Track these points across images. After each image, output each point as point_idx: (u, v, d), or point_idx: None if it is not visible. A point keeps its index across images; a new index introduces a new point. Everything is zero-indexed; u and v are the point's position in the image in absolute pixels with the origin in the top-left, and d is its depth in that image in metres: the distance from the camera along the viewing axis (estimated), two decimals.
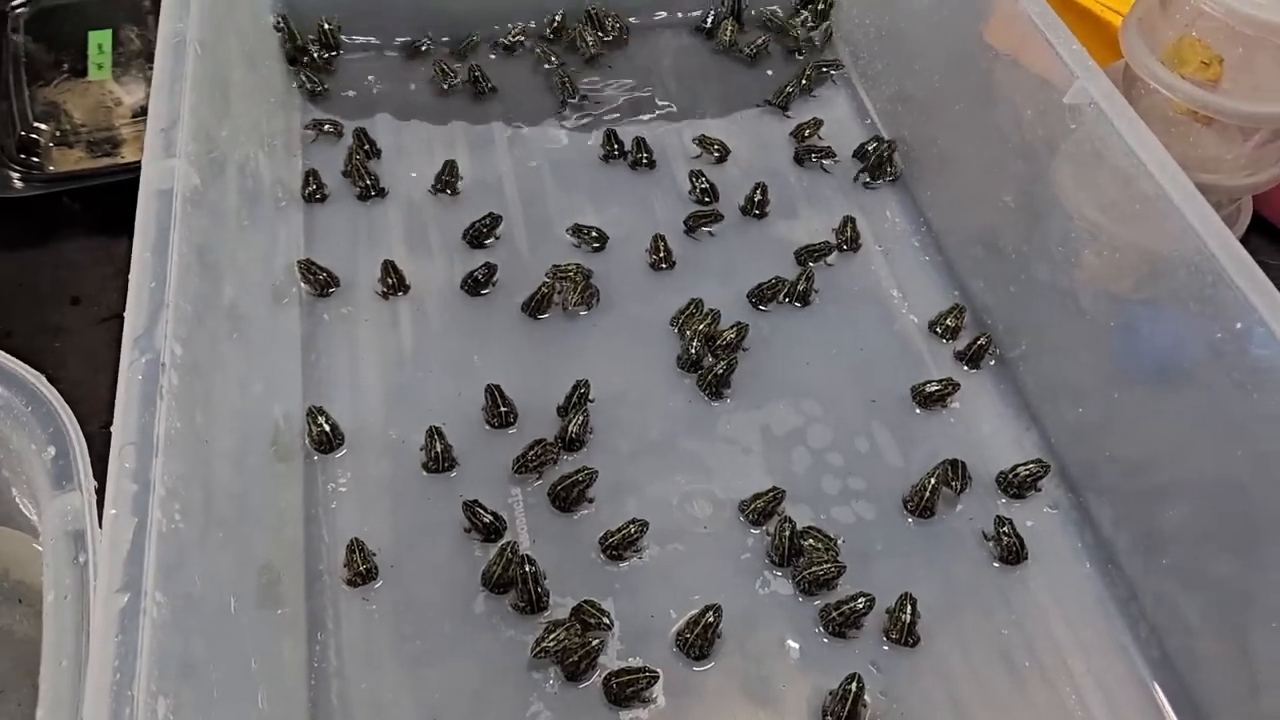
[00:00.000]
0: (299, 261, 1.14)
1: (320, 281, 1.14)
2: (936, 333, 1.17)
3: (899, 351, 1.16)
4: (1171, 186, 0.94)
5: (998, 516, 1.02)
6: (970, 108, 1.21)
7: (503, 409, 1.05)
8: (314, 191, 1.23)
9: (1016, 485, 1.04)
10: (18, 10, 1.29)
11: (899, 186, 1.32)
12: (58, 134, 1.27)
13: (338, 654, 0.91)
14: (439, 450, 1.02)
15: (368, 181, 1.24)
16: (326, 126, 1.30)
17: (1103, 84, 1.03)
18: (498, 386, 1.05)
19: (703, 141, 1.32)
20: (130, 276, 0.82)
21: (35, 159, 1.22)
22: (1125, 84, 1.17)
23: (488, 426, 1.06)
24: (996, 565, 1.00)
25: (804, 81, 1.40)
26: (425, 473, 1.03)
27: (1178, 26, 1.08)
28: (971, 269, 1.22)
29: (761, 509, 1.00)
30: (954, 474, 1.04)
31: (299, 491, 1.00)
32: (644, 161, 1.31)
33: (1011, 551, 1.00)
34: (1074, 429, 1.07)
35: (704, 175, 1.29)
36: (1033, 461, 1.04)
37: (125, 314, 0.80)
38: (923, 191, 1.30)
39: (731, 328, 1.13)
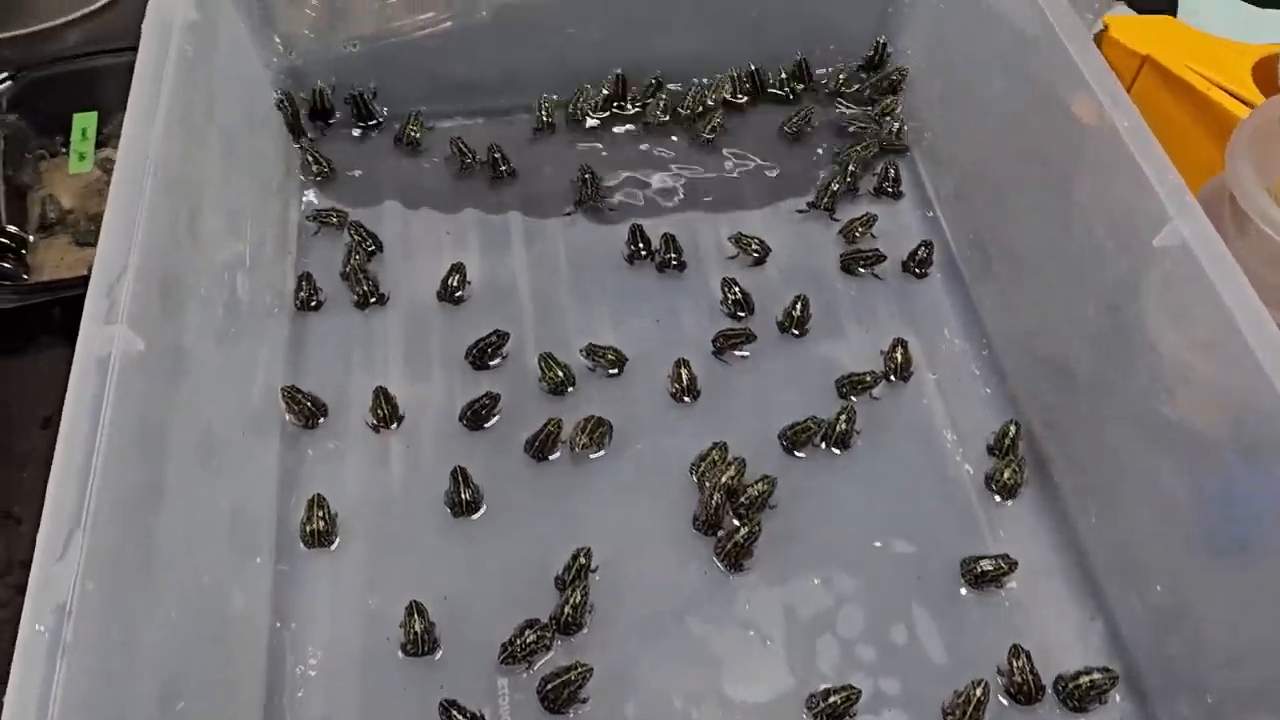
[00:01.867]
0: (283, 389, 1.04)
1: (306, 412, 1.04)
2: (992, 489, 1.02)
3: (950, 512, 1.01)
4: (1260, 345, 0.80)
5: (1013, 646, 0.90)
6: (1047, 220, 1.05)
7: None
8: (308, 298, 1.12)
9: (1078, 697, 0.90)
10: (2, 85, 1.19)
11: (959, 299, 1.16)
12: (43, 220, 1.18)
13: None
14: (419, 631, 0.91)
15: (365, 287, 1.13)
16: (332, 218, 1.19)
17: (1199, 226, 0.87)
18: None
19: (739, 240, 1.18)
20: (56, 453, 0.73)
21: (9, 257, 1.13)
22: (1233, 204, 0.99)
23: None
24: None
25: (850, 175, 1.24)
26: (403, 655, 0.92)
27: None
28: (1038, 408, 1.06)
29: (833, 710, 0.88)
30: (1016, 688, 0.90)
31: (261, 671, 0.91)
32: (673, 263, 1.17)
33: (1025, 691, 0.89)
34: (1149, 618, 0.92)
35: (737, 284, 1.15)
36: (1099, 670, 0.90)
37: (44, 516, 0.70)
38: (987, 308, 1.14)
39: (758, 482, 1.00)
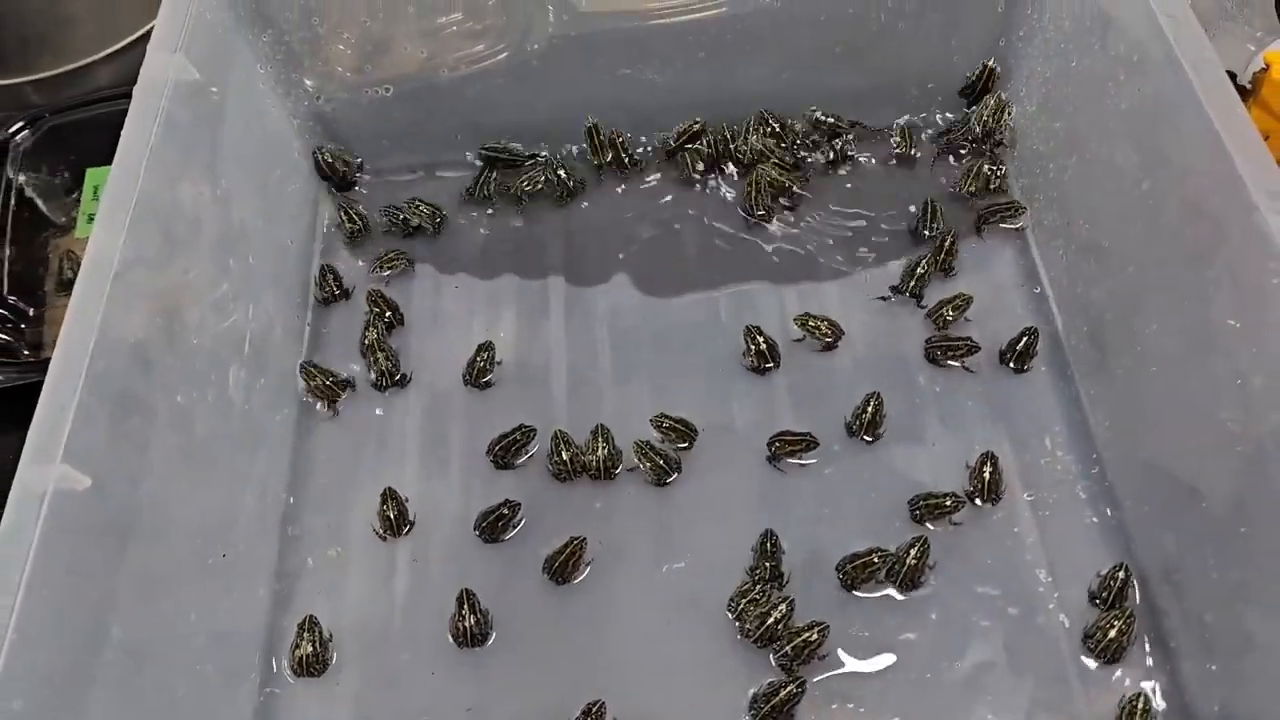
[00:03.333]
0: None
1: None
2: (1090, 648, 0.85)
3: (1039, 675, 0.85)
4: None
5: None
6: (1176, 330, 0.87)
7: None
8: (323, 386, 1.02)
9: None
10: (17, 137, 1.11)
11: (1067, 402, 0.98)
12: (60, 279, 1.11)
13: None
14: None
15: (384, 367, 1.02)
16: (394, 265, 1.09)
17: None
18: None
19: (806, 323, 1.02)
20: None
21: (8, 329, 1.06)
22: None
23: None
24: None
25: (945, 255, 1.06)
26: None
27: None
28: (1156, 549, 0.88)
29: None
30: None
31: None
32: (759, 355, 1.01)
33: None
34: None
35: (762, 334, 1.00)
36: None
37: None
38: (1101, 415, 0.96)
39: (808, 630, 0.85)
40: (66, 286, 1.11)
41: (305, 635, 0.88)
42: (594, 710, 0.83)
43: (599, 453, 0.95)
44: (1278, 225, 0.74)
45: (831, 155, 1.12)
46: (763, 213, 1.10)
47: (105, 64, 1.22)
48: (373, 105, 1.12)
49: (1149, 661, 0.85)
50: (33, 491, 0.69)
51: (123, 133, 0.86)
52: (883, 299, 1.05)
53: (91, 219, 1.08)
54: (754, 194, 1.09)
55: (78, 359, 0.74)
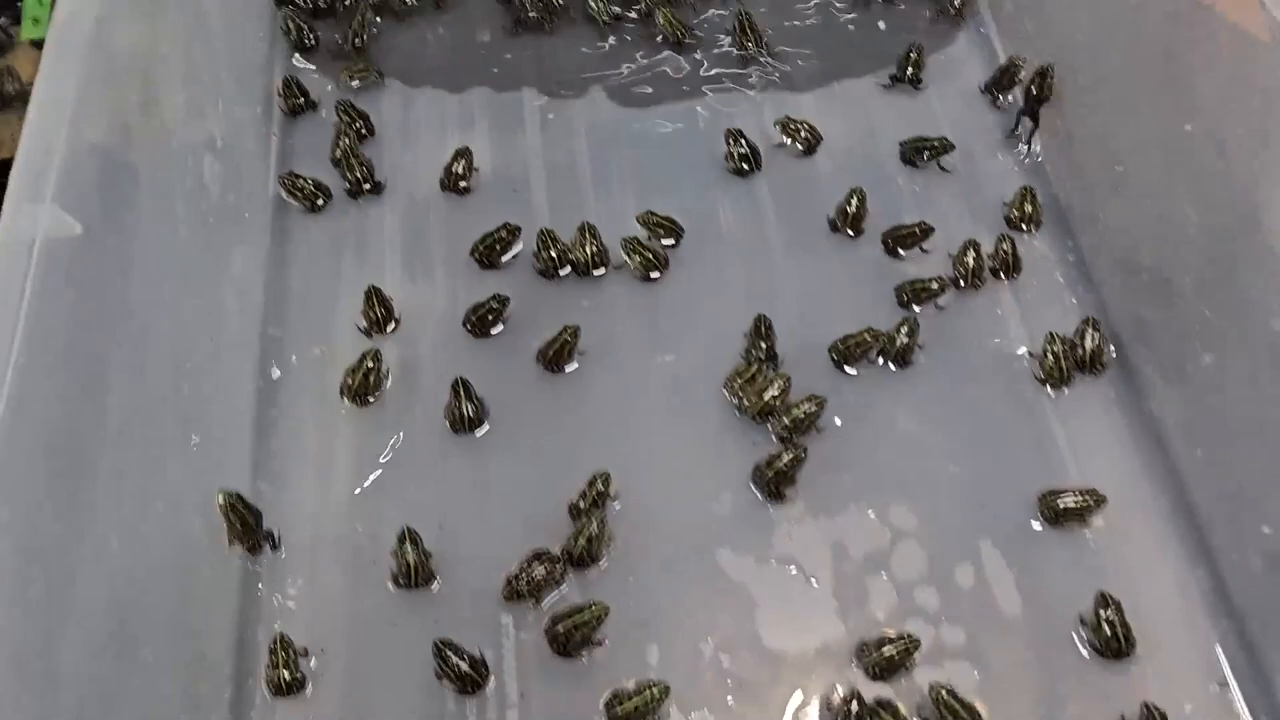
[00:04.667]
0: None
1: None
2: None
3: (1026, 439, 0.88)
4: None
5: (1101, 593, 0.78)
6: (1151, 98, 0.89)
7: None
8: (302, 188, 0.98)
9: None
10: None
11: (1041, 191, 1.00)
12: (1, 95, 1.05)
13: None
14: (412, 561, 0.79)
15: (358, 174, 0.99)
16: (364, 76, 1.06)
17: None
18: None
19: (786, 126, 1.03)
20: None
21: None
22: None
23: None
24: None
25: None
26: (394, 587, 0.81)
27: None
28: (1133, 322, 0.91)
29: (887, 662, 0.76)
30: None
31: (232, 604, 0.80)
32: (742, 158, 1.01)
33: (1113, 647, 0.77)
34: (1262, 564, 0.79)
35: (744, 137, 1.01)
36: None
37: None
38: (1076, 205, 0.99)
39: (804, 402, 0.86)
40: (6, 103, 1.06)
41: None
42: (599, 480, 0.83)
43: (586, 249, 0.94)
44: None
45: None
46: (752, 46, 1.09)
47: None
48: None
49: (1134, 423, 0.88)
50: (22, 236, 0.65)
51: None
52: (884, 86, 1.06)
53: (37, 21, 1.03)
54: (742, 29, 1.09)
55: (59, 107, 0.70)
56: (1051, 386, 0.89)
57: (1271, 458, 0.78)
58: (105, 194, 0.72)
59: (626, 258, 0.95)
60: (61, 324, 0.66)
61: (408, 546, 0.80)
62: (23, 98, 1.05)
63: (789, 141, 1.03)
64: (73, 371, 0.66)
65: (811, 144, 1.03)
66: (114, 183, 0.74)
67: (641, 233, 0.96)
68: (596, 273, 0.95)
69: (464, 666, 0.75)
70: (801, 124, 1.03)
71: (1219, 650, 0.78)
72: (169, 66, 0.85)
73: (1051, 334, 0.89)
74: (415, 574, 0.80)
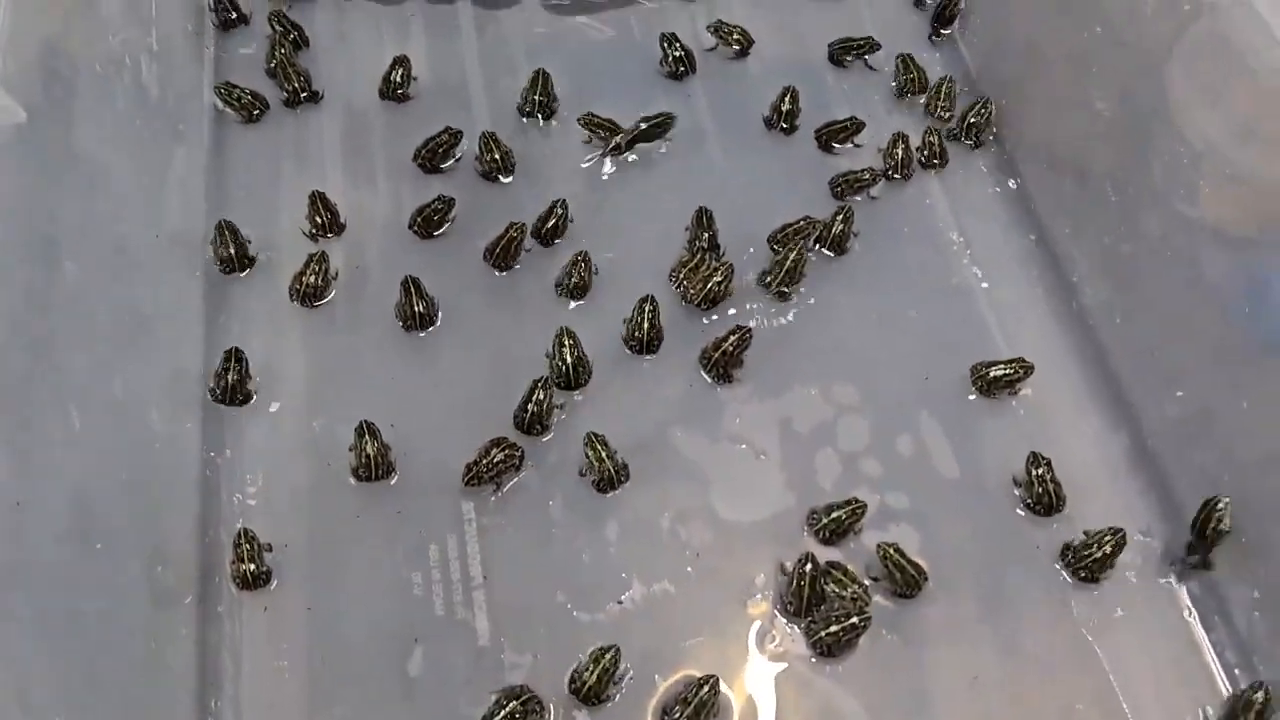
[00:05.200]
0: (218, 226, 0.89)
1: (228, 256, 0.89)
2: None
3: (958, 317, 0.92)
4: None
5: (1032, 453, 0.82)
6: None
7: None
8: (229, 96, 0.98)
9: (1090, 567, 0.80)
10: None
11: (964, 88, 1.04)
12: None
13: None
14: (371, 454, 0.81)
15: (295, 84, 0.99)
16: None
17: None
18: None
19: (719, 29, 1.05)
20: None
21: None
22: None
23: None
24: (1071, 589, 0.79)
25: None
26: (355, 480, 0.82)
27: None
28: (1055, 208, 0.96)
29: (837, 526, 0.80)
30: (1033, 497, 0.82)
31: (193, 503, 0.80)
32: (676, 60, 1.03)
33: (1044, 502, 0.82)
34: (1176, 425, 0.84)
35: (678, 41, 1.03)
36: (1108, 533, 0.80)
37: None
38: (997, 96, 1.02)
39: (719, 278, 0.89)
40: None
41: (231, 365, 0.84)
42: (539, 387, 0.83)
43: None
44: None
45: None
46: None
47: None
48: None
49: (1057, 299, 0.93)
50: None
51: None
52: None
53: None
54: None
55: None
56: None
57: (1180, 327, 0.84)
58: (47, 82, 0.71)
59: (587, 133, 0.97)
60: (9, 206, 0.65)
61: (366, 439, 0.81)
62: None
63: (722, 45, 1.05)
64: (24, 254, 0.66)
65: (744, 46, 1.05)
66: (55, 72, 0.73)
67: (582, 133, 0.98)
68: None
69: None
70: (735, 27, 1.05)
71: (1138, 502, 0.84)
72: None
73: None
74: (375, 466, 0.81)
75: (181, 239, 0.89)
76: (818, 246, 0.94)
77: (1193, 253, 0.82)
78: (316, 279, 0.89)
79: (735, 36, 1.04)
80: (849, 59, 1.05)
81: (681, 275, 0.91)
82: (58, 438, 0.67)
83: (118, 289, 0.78)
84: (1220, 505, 0.78)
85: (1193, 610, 0.79)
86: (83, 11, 0.79)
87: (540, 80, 0.99)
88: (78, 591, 0.66)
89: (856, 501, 0.80)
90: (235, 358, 0.84)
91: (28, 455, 0.63)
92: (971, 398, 0.88)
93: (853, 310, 0.92)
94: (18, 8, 0.69)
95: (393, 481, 0.82)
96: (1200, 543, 0.80)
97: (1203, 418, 0.83)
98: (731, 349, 0.86)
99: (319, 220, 0.92)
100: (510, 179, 0.97)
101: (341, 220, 0.93)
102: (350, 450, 0.82)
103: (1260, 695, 0.72)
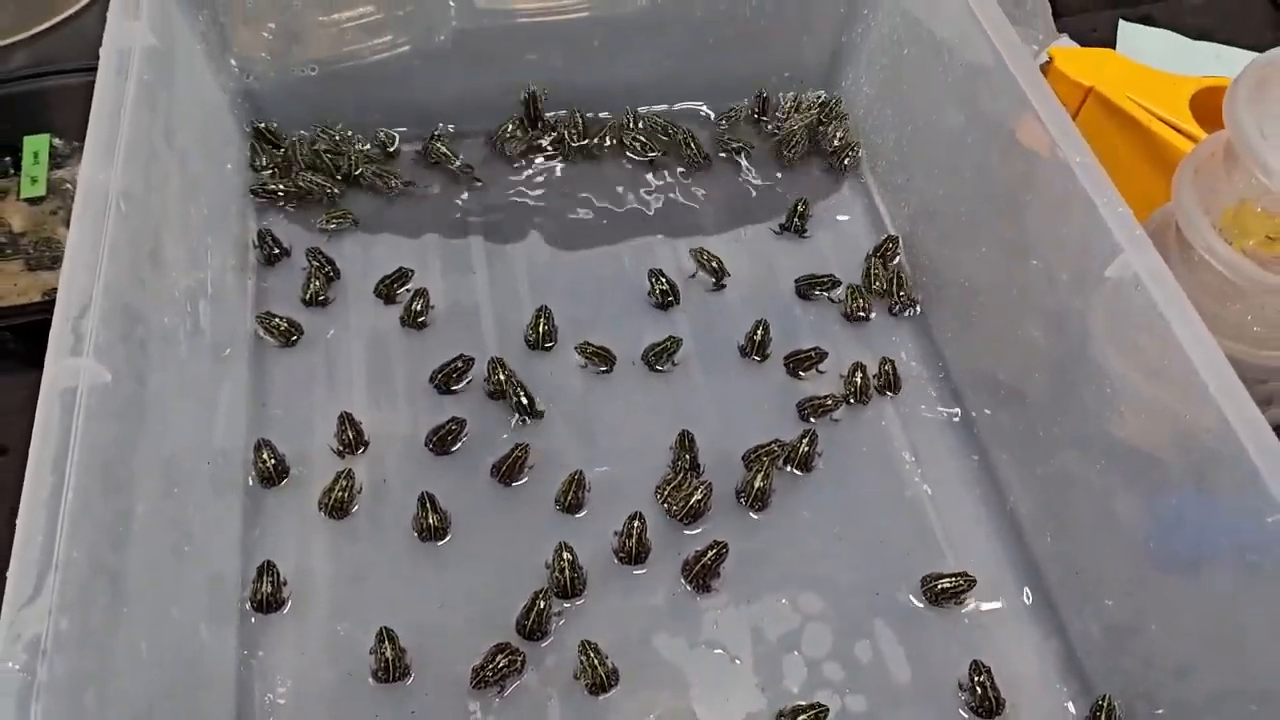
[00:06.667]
0: (258, 443, 1.02)
1: (267, 471, 1.02)
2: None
3: (909, 531, 1.04)
4: (1212, 377, 0.83)
5: (974, 662, 0.93)
6: (998, 239, 1.08)
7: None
8: (277, 325, 1.11)
9: None
10: None
11: (916, 325, 1.19)
12: None
13: None
14: (389, 657, 0.91)
15: (322, 297, 1.14)
16: (340, 221, 1.20)
17: (1150, 259, 0.91)
18: None
19: (699, 256, 1.20)
20: (25, 489, 0.72)
21: None
22: (1179, 235, 1.03)
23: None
24: None
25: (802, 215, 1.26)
26: (374, 681, 0.92)
27: (1239, 192, 0.95)
28: (994, 431, 1.09)
29: None
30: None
31: (230, 702, 0.90)
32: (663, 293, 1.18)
33: (985, 706, 0.91)
34: (1102, 633, 0.95)
35: (664, 276, 1.17)
36: None
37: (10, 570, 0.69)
38: (943, 333, 1.17)
39: (697, 490, 1.02)
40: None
41: (266, 577, 0.95)
42: (540, 598, 0.94)
43: (540, 328, 1.12)
44: (1074, 157, 0.96)
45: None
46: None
47: (20, 48, 1.29)
48: (297, 84, 1.23)
49: (996, 518, 1.05)
50: (64, 385, 0.77)
51: (97, 83, 0.94)
52: (775, 231, 1.25)
53: (34, 180, 1.14)
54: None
55: (89, 265, 0.82)
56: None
57: (1108, 545, 0.95)
58: (127, 343, 0.84)
59: (583, 361, 1.12)
60: (95, 457, 0.77)
61: (385, 644, 0.91)
62: (15, 247, 1.16)
63: (701, 272, 1.20)
64: (103, 492, 0.77)
65: (719, 275, 1.19)
66: (131, 332, 0.86)
67: (578, 360, 1.12)
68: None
69: None
70: (713, 256, 1.19)
71: (1070, 706, 0.94)
72: (170, 223, 0.98)
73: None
74: (392, 669, 0.91)
75: (225, 457, 1.00)
76: (787, 466, 1.07)
77: (1108, 476, 0.94)
78: (344, 494, 1.00)
79: (713, 265, 1.19)
80: (814, 293, 1.20)
81: (666, 492, 1.03)
82: (125, 666, 0.77)
83: (171, 509, 0.89)
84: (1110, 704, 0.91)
85: None
86: (154, 272, 0.92)
87: (542, 315, 1.12)
88: None
89: (820, 706, 0.90)
90: (268, 570, 0.95)
91: (105, 682, 0.73)
92: (921, 606, 0.99)
93: (817, 524, 1.03)
94: (107, 284, 0.82)
95: (409, 683, 0.92)
96: None
97: (1124, 628, 0.94)
98: (710, 562, 0.97)
99: (346, 438, 1.04)
100: (536, 419, 1.08)
101: (366, 438, 1.05)
102: (370, 653, 0.92)
103: None
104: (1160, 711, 0.90)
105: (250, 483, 1.02)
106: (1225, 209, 0.95)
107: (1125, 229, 0.92)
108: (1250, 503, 0.79)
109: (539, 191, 1.27)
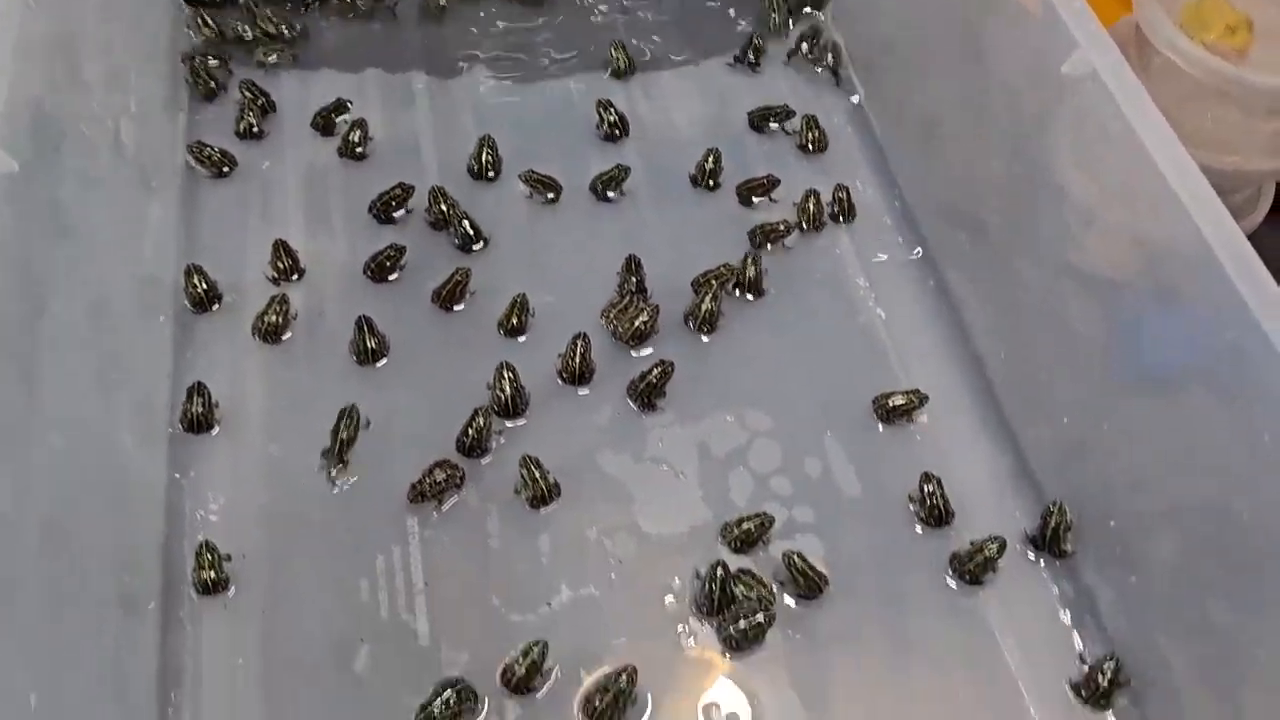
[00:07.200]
0: (188, 268, 0.98)
1: (198, 296, 0.98)
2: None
3: (863, 354, 1.01)
4: (1176, 176, 0.80)
5: (924, 473, 0.91)
6: (956, 65, 1.05)
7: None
8: (209, 155, 1.07)
9: (973, 570, 0.88)
10: None
11: (872, 152, 1.16)
12: None
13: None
14: (344, 438, 0.91)
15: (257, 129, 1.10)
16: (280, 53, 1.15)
17: (1108, 54, 0.87)
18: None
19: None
20: None
21: None
22: (1138, 43, 1.00)
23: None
24: (956, 593, 0.88)
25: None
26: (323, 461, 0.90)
27: None
28: (949, 255, 1.07)
29: (746, 536, 0.88)
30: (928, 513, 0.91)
31: (159, 517, 0.87)
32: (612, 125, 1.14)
33: (935, 515, 0.90)
34: (1056, 449, 0.94)
35: (613, 106, 1.14)
36: (991, 540, 0.88)
37: None
38: (899, 160, 1.14)
39: (642, 315, 0.99)
40: None
41: (195, 399, 0.92)
42: (479, 414, 0.92)
43: (482, 158, 1.08)
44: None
45: None
46: None
47: None
48: None
49: (952, 335, 1.03)
50: None
51: None
52: (729, 64, 1.21)
53: None
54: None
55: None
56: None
57: (1065, 364, 0.93)
58: (37, 139, 0.80)
59: (527, 189, 1.08)
60: (8, 255, 0.73)
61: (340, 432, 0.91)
62: None
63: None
64: (14, 292, 0.74)
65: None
66: (44, 131, 0.82)
67: (523, 189, 1.08)
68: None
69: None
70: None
71: (1020, 516, 0.92)
72: (88, 43, 0.93)
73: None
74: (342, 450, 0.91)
75: (154, 282, 0.97)
76: (736, 291, 1.04)
77: (1068, 299, 0.92)
78: (277, 318, 0.97)
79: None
80: (768, 125, 1.16)
81: (612, 315, 1.00)
82: (40, 461, 0.74)
83: (96, 325, 0.86)
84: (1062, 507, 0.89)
85: (1065, 610, 0.88)
86: (69, 78, 0.88)
87: (485, 145, 1.09)
88: (50, 597, 0.73)
89: (765, 515, 0.88)
90: (199, 390, 0.92)
91: (12, 474, 0.71)
92: (873, 424, 0.97)
93: (767, 347, 1.01)
94: (14, 75, 0.78)
95: (343, 492, 0.90)
96: (1051, 535, 0.90)
97: (1077, 444, 0.92)
98: (655, 380, 0.95)
99: (281, 265, 1.01)
100: (482, 245, 1.05)
101: (302, 266, 1.02)
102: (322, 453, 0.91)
103: (1111, 664, 0.83)
104: (1113, 523, 0.88)
105: (182, 309, 0.99)
106: (1185, 4, 0.91)
107: (1082, 25, 0.89)
108: (1222, 317, 0.75)
109: (484, 26, 1.23)
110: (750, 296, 1.04)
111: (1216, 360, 0.77)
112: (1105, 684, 0.82)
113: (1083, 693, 0.83)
